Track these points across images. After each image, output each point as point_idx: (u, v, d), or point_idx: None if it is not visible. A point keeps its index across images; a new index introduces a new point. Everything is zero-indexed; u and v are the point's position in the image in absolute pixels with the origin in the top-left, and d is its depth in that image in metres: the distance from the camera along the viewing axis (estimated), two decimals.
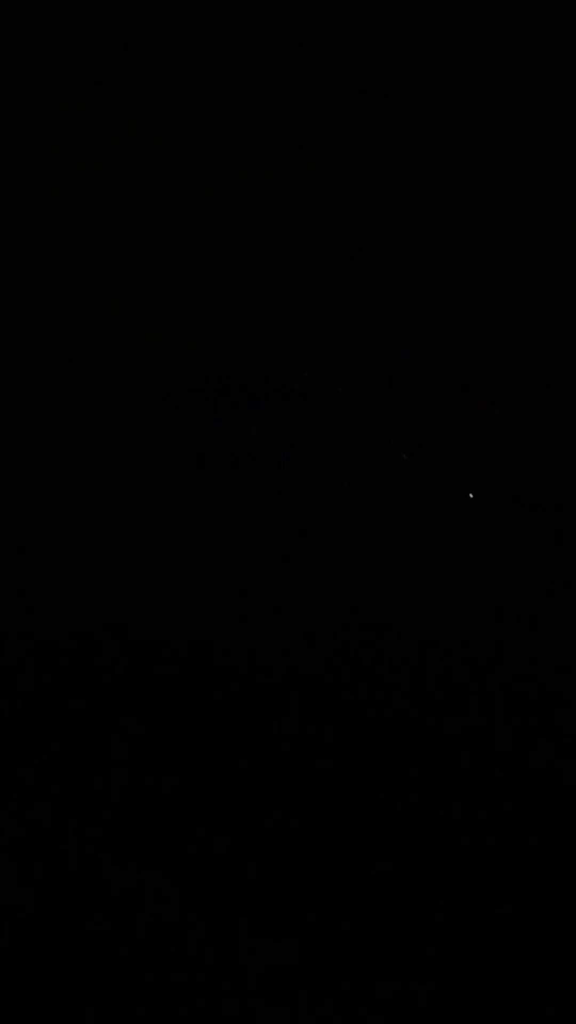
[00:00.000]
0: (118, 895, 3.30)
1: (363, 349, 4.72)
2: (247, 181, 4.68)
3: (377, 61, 4.49)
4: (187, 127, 4.77)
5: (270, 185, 4.67)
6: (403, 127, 4.58)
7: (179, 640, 4.53)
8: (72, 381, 4.91)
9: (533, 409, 4.58)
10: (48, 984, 2.76)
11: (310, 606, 4.63)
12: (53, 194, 4.89)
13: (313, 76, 4.59)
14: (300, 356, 4.76)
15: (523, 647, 4.46)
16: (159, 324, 4.89)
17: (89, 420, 4.86)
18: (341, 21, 4.55)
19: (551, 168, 4.49)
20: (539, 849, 3.52)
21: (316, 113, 4.62)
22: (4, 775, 3.86)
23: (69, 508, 4.82)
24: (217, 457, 4.83)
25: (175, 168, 4.81)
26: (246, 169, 4.67)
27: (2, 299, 4.99)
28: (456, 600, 4.64)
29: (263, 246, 4.71)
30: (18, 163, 4.93)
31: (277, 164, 4.65)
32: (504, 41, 4.38)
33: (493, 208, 4.59)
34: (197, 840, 3.54)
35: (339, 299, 4.69)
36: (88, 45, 4.76)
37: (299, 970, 2.90)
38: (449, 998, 2.83)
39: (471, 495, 4.54)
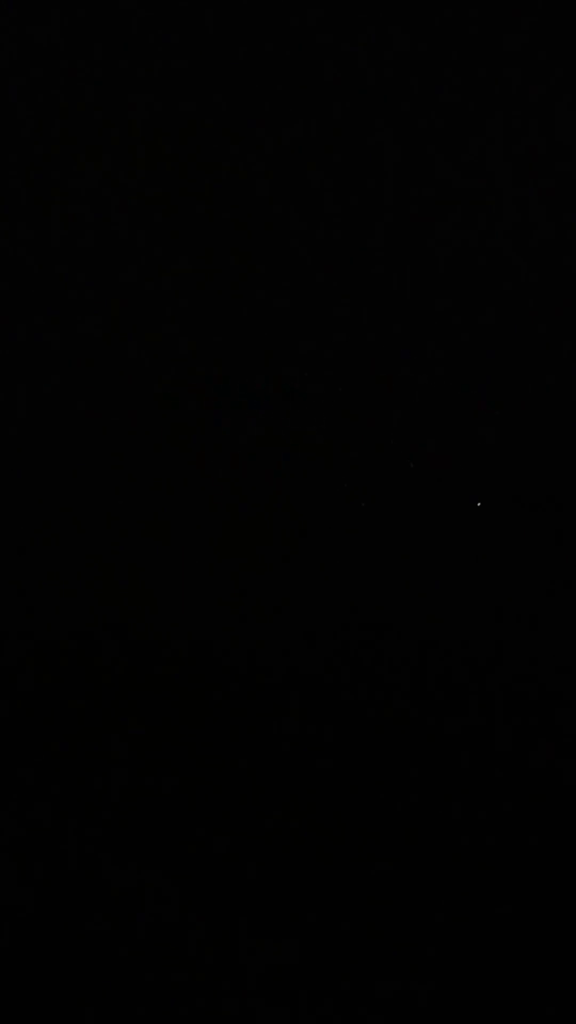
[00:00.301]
0: (118, 895, 3.30)
1: (363, 349, 4.71)
2: (247, 181, 4.68)
3: (377, 61, 4.49)
4: (187, 127, 4.77)
5: (270, 185, 4.67)
6: (403, 127, 4.58)
7: (179, 640, 4.53)
8: (72, 381, 4.91)
9: (533, 409, 4.58)
10: (48, 984, 2.75)
11: (310, 606, 4.62)
12: (53, 194, 4.89)
13: (313, 76, 4.59)
14: (300, 356, 4.75)
15: (523, 647, 4.46)
16: (159, 324, 4.89)
17: (89, 420, 4.86)
18: (341, 21, 4.55)
19: (551, 168, 4.49)
20: (539, 849, 3.52)
21: (316, 113, 4.62)
22: (4, 775, 3.86)
23: (69, 508, 4.81)
24: (217, 457, 4.83)
25: (175, 168, 4.81)
26: (246, 169, 4.67)
27: (2, 299, 4.98)
28: (456, 599, 4.64)
29: (263, 246, 4.71)
30: (18, 163, 4.93)
31: (277, 164, 4.65)
32: (504, 41, 4.38)
33: (493, 208, 4.59)
34: (197, 840, 3.54)
35: (339, 299, 4.68)
36: (88, 45, 4.76)
37: (299, 970, 2.89)
38: (449, 998, 2.83)
39: (479, 504, 4.55)
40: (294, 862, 3.46)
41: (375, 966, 3.00)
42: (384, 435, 4.77)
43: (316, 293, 4.80)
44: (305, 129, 4.67)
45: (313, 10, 4.58)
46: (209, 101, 4.73)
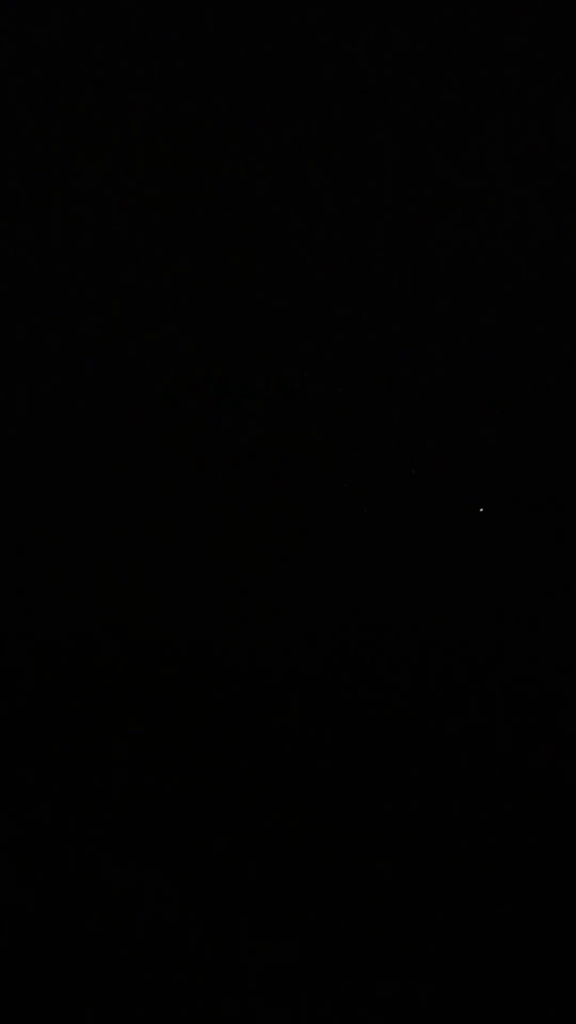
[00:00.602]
0: (118, 895, 3.30)
1: (363, 349, 4.71)
2: (247, 181, 4.68)
3: (377, 61, 4.49)
4: (187, 127, 4.78)
5: (270, 185, 4.67)
6: (403, 127, 4.58)
7: (179, 640, 4.54)
8: (72, 380, 4.91)
9: (533, 409, 4.58)
10: (48, 984, 2.75)
11: (310, 606, 4.63)
12: (53, 194, 4.89)
13: (313, 76, 4.60)
14: (300, 356, 4.76)
15: (523, 647, 4.46)
16: (159, 324, 4.89)
17: (89, 420, 4.86)
18: (341, 21, 4.55)
19: (551, 168, 4.49)
20: (539, 849, 3.52)
21: (316, 113, 4.62)
22: (4, 775, 3.86)
23: (69, 508, 4.82)
24: (217, 457, 4.83)
25: (175, 168, 4.81)
26: (246, 169, 4.68)
27: (2, 299, 4.99)
28: (456, 600, 4.64)
29: (263, 246, 4.71)
30: (18, 163, 4.93)
31: (277, 164, 4.65)
32: (504, 41, 4.39)
33: (493, 208, 4.59)
34: (197, 840, 3.54)
35: (339, 299, 4.68)
36: (88, 45, 4.76)
37: (299, 970, 2.89)
38: (449, 998, 2.83)
39: (481, 509, 4.56)
40: (293, 862, 3.46)
41: (375, 966, 3.00)
42: (384, 435, 4.77)
43: (316, 293, 4.80)
44: (305, 129, 4.67)
45: (313, 10, 4.58)
46: (209, 101, 4.73)
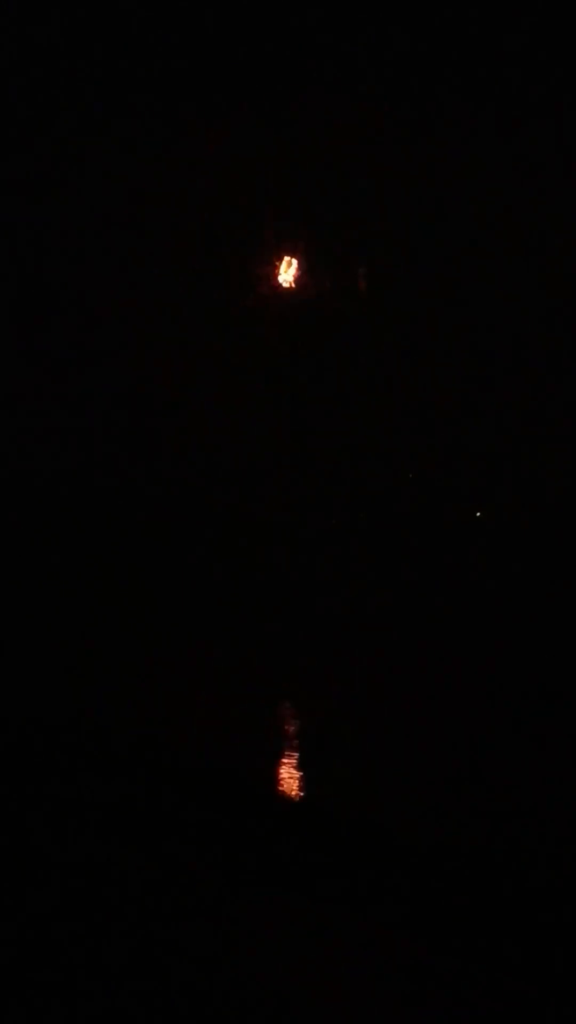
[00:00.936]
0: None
1: (364, 349, 4.71)
2: None
3: (378, 62, 4.50)
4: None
5: None
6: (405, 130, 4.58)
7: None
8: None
9: (534, 411, 4.58)
10: (48, 983, 2.74)
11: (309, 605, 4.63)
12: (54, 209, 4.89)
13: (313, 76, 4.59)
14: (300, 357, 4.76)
15: (523, 647, 4.45)
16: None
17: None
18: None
19: (551, 167, 4.49)
20: (540, 850, 3.51)
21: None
22: None
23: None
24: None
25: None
26: None
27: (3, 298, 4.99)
28: (457, 600, 4.63)
29: None
30: (19, 161, 4.93)
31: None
32: (504, 41, 4.38)
33: (493, 208, 4.59)
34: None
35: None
36: (88, 45, 4.76)
37: (300, 970, 2.88)
38: (454, 998, 2.81)
39: (478, 513, 4.58)
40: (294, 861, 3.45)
41: (380, 965, 2.98)
42: (386, 441, 4.79)
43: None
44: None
45: (313, 10, 4.58)
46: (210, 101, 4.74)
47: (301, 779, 4.49)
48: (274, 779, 4.56)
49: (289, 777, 4.61)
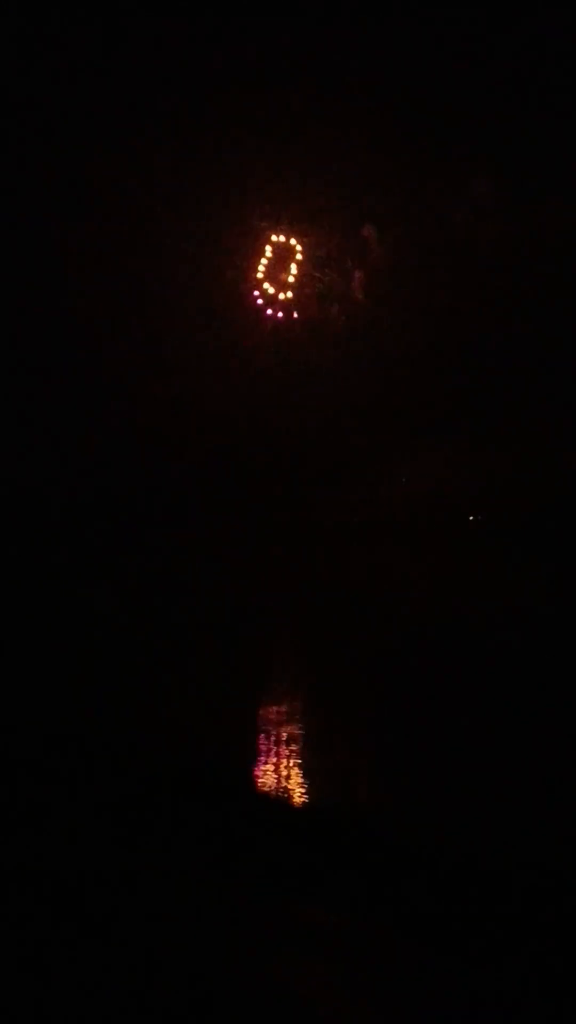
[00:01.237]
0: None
1: (363, 351, 4.71)
2: None
3: (378, 62, 4.50)
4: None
5: None
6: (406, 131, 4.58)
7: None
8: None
9: (533, 412, 4.58)
10: (48, 983, 2.74)
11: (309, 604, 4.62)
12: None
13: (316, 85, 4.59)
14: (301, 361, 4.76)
15: (524, 648, 4.46)
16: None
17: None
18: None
19: (550, 166, 4.49)
20: (546, 852, 3.51)
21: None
22: None
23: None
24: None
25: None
26: None
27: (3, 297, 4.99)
28: (456, 603, 4.63)
29: None
30: (20, 162, 4.93)
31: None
32: (504, 40, 4.38)
33: (493, 210, 4.59)
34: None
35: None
36: (88, 45, 4.76)
37: (300, 970, 2.88)
38: (451, 997, 2.81)
39: (471, 517, 4.60)
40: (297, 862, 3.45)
41: (381, 966, 2.97)
42: (386, 445, 4.79)
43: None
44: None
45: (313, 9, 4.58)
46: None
47: (301, 780, 4.49)
48: (274, 780, 4.56)
49: (289, 777, 4.60)
